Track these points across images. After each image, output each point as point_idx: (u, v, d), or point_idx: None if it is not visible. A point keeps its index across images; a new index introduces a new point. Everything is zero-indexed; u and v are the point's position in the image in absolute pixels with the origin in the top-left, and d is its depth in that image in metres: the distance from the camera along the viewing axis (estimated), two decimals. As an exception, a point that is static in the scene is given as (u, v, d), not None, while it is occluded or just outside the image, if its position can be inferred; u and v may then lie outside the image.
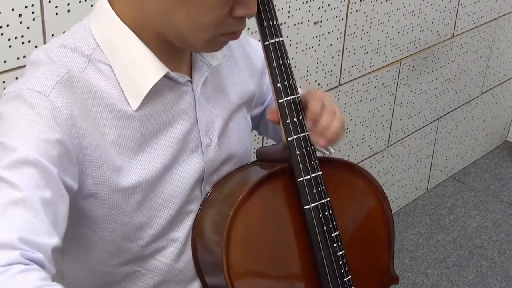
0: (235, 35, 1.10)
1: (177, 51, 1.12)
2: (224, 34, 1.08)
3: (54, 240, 0.96)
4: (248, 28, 1.88)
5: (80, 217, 1.11)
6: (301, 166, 1.16)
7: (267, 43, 1.16)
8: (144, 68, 1.09)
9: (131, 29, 1.08)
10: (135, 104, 1.09)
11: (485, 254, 2.83)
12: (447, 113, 3.10)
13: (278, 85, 1.17)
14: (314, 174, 1.17)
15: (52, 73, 1.04)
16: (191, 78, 1.17)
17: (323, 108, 1.19)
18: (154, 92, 1.11)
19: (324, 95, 1.21)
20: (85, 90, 1.06)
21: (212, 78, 1.22)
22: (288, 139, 1.16)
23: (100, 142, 1.07)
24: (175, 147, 1.15)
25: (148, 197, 1.14)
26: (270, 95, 1.44)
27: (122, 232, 1.15)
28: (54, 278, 0.97)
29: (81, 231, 1.14)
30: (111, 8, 1.08)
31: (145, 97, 1.09)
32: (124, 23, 1.08)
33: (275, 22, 1.16)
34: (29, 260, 0.91)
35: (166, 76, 1.11)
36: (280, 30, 1.17)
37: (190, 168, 1.18)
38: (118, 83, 1.09)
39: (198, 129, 1.18)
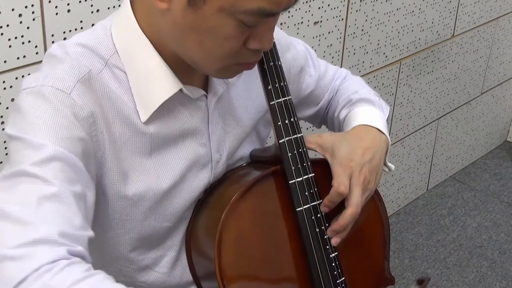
0: (249, 65, 1.08)
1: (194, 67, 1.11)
2: (238, 64, 1.06)
3: (88, 232, 0.98)
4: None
5: (95, 212, 1.11)
6: (293, 168, 1.16)
7: None
8: (158, 81, 1.08)
9: (150, 41, 1.07)
10: (144, 116, 1.09)
11: (485, 254, 2.83)
12: (447, 113, 3.10)
13: (269, 87, 1.16)
14: (306, 176, 1.17)
15: (73, 70, 1.04)
16: (206, 92, 1.15)
17: (347, 205, 1.18)
18: (166, 106, 1.10)
19: (354, 179, 1.18)
20: (102, 91, 1.06)
21: (227, 94, 1.20)
22: (280, 141, 1.16)
23: (112, 144, 1.07)
24: (185, 163, 1.15)
25: (155, 210, 1.15)
26: (327, 95, 1.41)
27: (125, 239, 1.16)
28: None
29: (93, 229, 1.14)
30: (134, 17, 1.07)
31: (155, 111, 1.09)
32: (145, 34, 1.07)
33: None
34: (73, 255, 0.91)
35: (179, 90, 1.10)
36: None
37: (199, 183, 1.18)
38: (131, 91, 1.08)
39: (210, 145, 1.18)
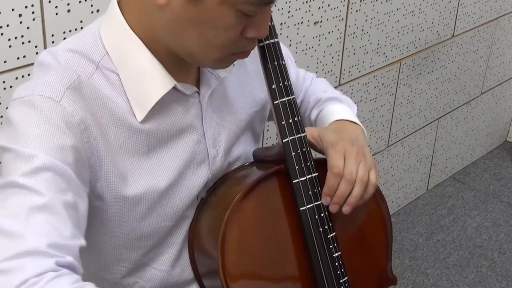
0: (245, 54, 1.10)
1: (185, 62, 1.11)
2: (234, 53, 1.08)
3: (79, 241, 0.98)
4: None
5: (90, 216, 1.11)
6: (297, 167, 1.16)
7: (262, 44, 1.16)
8: (152, 80, 1.08)
9: (141, 39, 1.07)
10: (140, 115, 1.09)
11: (485, 254, 2.83)
12: (447, 113, 3.10)
13: (273, 86, 1.17)
14: (310, 176, 1.17)
15: (62, 78, 1.04)
16: (199, 89, 1.16)
17: (341, 178, 1.17)
18: (161, 104, 1.10)
19: (347, 156, 1.17)
20: (93, 96, 1.05)
21: (220, 90, 1.21)
22: (284, 140, 1.17)
23: (107, 147, 1.07)
24: (183, 160, 1.15)
25: (154, 209, 1.14)
26: (301, 95, 1.43)
27: (125, 240, 1.16)
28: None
29: (89, 234, 1.14)
30: (122, 17, 1.07)
31: (151, 109, 1.09)
32: (135, 33, 1.07)
33: (271, 23, 1.16)
34: (62, 266, 0.91)
35: (173, 88, 1.10)
36: (275, 31, 1.17)
37: (197, 180, 1.18)
38: (125, 92, 1.08)
39: (205, 141, 1.18)
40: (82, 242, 0.98)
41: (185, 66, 1.12)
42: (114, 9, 1.08)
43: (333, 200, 1.17)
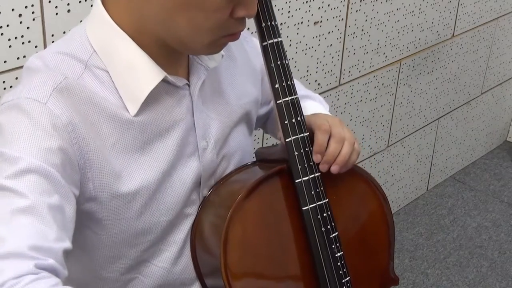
0: (235, 36, 1.10)
1: (175, 54, 1.12)
2: (224, 36, 1.08)
3: (64, 244, 0.97)
4: (248, 28, 1.87)
5: (84, 219, 1.11)
6: (300, 167, 1.16)
7: (265, 43, 1.16)
8: (141, 73, 1.08)
9: (127, 34, 1.07)
10: (133, 109, 1.09)
11: (485, 254, 2.83)
12: (447, 113, 3.10)
13: (277, 85, 1.17)
14: (313, 175, 1.17)
15: (48, 80, 1.04)
16: (189, 81, 1.16)
17: (330, 138, 1.19)
18: (153, 97, 1.10)
19: (331, 124, 1.20)
20: (82, 96, 1.05)
21: (210, 81, 1.21)
22: (287, 140, 1.16)
23: (100, 147, 1.07)
24: (173, 152, 1.15)
25: (150, 204, 1.14)
26: None
27: (122, 238, 1.15)
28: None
29: (85, 234, 1.14)
30: (107, 14, 1.07)
31: (143, 102, 1.09)
32: (121, 28, 1.07)
33: (273, 23, 1.16)
34: (42, 268, 0.91)
35: (164, 80, 1.10)
36: (278, 30, 1.17)
37: (188, 172, 1.18)
38: (116, 88, 1.08)
39: (195, 132, 1.18)
40: (67, 245, 0.97)
41: (174, 58, 1.13)
42: (98, 7, 1.09)
43: (324, 159, 1.18)
